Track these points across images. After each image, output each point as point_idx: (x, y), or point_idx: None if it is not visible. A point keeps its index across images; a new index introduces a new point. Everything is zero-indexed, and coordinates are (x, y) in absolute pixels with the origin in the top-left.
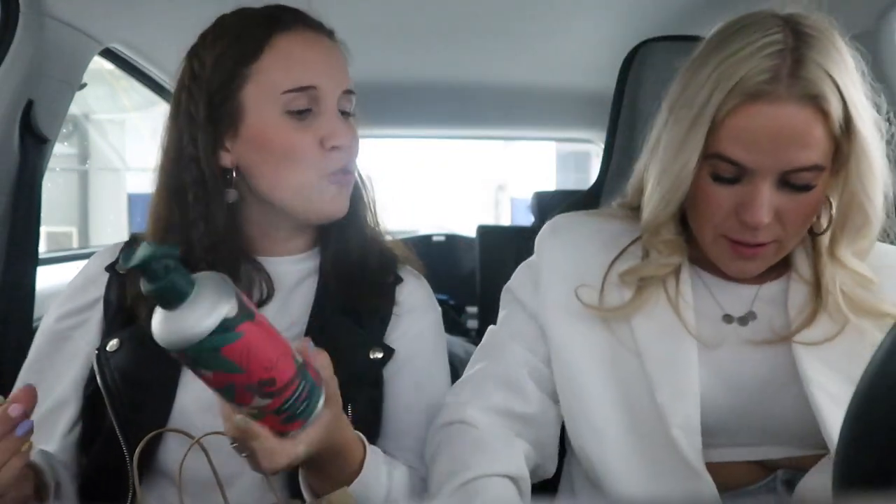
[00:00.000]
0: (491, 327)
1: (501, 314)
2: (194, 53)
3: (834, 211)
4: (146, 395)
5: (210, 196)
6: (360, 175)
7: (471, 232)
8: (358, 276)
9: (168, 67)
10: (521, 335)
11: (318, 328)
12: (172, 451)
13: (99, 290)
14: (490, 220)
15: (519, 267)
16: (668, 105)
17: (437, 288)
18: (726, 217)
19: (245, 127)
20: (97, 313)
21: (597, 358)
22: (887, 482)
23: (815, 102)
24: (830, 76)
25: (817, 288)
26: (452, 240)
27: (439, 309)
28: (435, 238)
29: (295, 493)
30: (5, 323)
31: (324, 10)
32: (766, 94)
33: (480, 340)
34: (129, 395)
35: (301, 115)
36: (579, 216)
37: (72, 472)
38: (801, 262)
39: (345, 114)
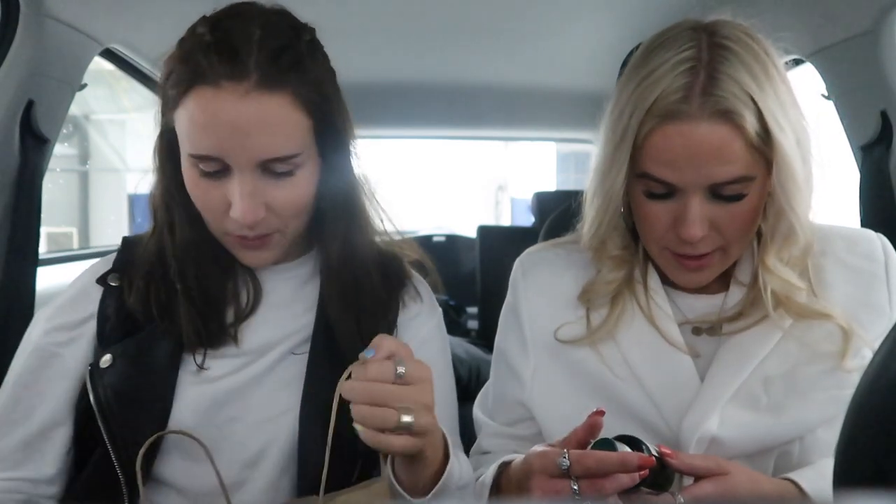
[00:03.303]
0: (486, 386)
1: (492, 371)
2: (169, 57)
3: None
4: (140, 412)
5: (174, 204)
6: (360, 178)
7: (471, 232)
8: (358, 280)
9: None
10: (503, 407)
11: (323, 333)
12: (172, 461)
13: (92, 305)
14: (490, 221)
15: (502, 314)
16: (602, 124)
17: (436, 288)
18: (666, 232)
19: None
20: (90, 329)
21: (589, 387)
22: (887, 482)
23: (729, 118)
24: (745, 90)
25: (751, 291)
26: (453, 240)
27: (440, 310)
28: (435, 238)
29: (300, 494)
30: (5, 323)
31: (324, 11)
32: (680, 114)
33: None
34: (123, 412)
35: (210, 175)
36: (547, 249)
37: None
38: (743, 270)
39: (277, 173)
